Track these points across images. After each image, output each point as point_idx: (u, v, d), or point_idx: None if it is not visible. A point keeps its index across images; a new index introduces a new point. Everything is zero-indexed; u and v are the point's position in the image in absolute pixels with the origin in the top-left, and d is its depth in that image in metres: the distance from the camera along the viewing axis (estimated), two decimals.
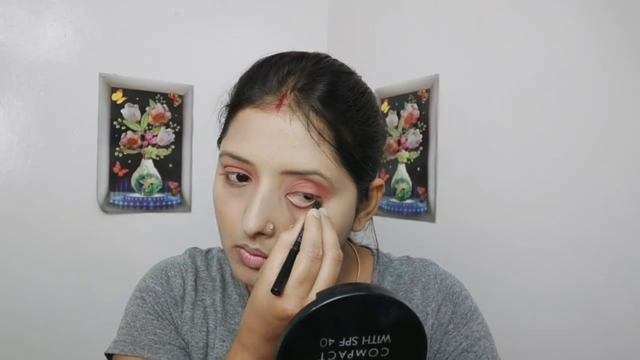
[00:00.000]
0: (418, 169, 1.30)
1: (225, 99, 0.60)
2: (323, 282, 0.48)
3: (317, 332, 0.36)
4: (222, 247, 0.70)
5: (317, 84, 0.54)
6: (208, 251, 0.73)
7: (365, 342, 0.37)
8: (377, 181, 0.61)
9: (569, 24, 0.97)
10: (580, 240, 0.95)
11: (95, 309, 1.31)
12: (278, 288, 0.46)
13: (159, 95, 1.41)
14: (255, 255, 0.54)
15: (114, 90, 1.35)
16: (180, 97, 1.44)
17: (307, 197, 0.53)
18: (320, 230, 0.50)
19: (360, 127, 0.56)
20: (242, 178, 0.54)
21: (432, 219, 1.26)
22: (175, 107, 1.44)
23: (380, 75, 1.41)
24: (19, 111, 1.25)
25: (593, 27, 0.94)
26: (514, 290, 1.07)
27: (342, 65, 0.60)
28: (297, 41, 1.59)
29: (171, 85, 1.43)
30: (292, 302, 0.46)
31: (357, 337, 0.37)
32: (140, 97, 1.38)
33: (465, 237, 1.17)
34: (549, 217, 1.00)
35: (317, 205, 0.53)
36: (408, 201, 1.33)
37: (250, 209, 0.51)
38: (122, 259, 1.35)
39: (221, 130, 0.60)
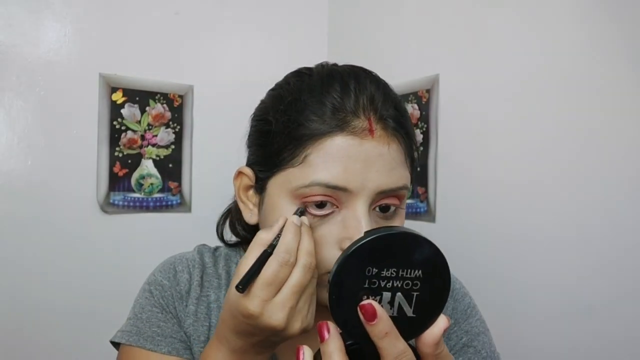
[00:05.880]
0: (418, 169, 1.30)
1: (265, 124, 0.60)
2: (290, 288, 0.49)
3: (364, 262, 0.42)
4: (228, 244, 0.73)
5: (390, 103, 0.57)
6: (216, 249, 0.74)
7: (402, 275, 0.42)
8: None
9: (569, 23, 0.98)
10: (581, 240, 0.95)
11: (95, 309, 1.31)
12: (242, 286, 0.48)
13: (159, 95, 1.41)
14: None
15: (114, 90, 1.35)
16: (180, 97, 1.44)
17: (385, 207, 0.56)
18: (297, 236, 0.50)
19: (414, 133, 0.61)
20: (322, 205, 0.54)
21: (432, 219, 1.26)
22: (175, 107, 1.44)
23: (380, 75, 1.41)
24: (19, 111, 1.25)
25: (592, 27, 0.94)
26: (513, 290, 1.07)
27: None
28: (297, 40, 1.59)
29: (171, 85, 1.43)
30: (255, 302, 0.48)
31: (395, 269, 0.42)
32: (140, 97, 1.38)
33: (465, 237, 1.17)
34: (549, 217, 1.01)
35: (302, 212, 0.54)
36: (408, 201, 1.33)
37: (360, 233, 0.52)
38: (122, 259, 1.35)
39: (277, 157, 0.57)
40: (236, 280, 0.49)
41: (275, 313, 0.48)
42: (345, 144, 0.53)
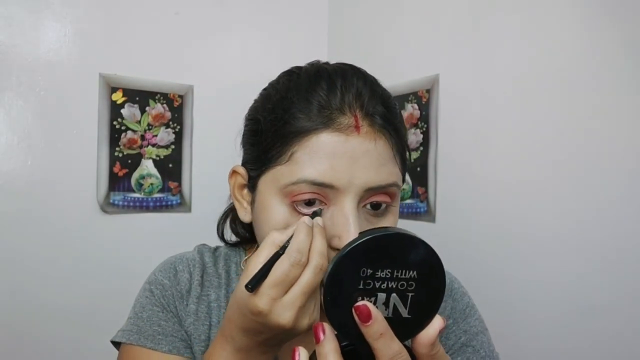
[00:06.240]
0: (418, 169, 1.30)
1: (255, 123, 0.60)
2: (300, 288, 0.48)
3: (359, 263, 0.42)
4: (229, 243, 0.73)
5: (378, 99, 0.57)
6: (216, 248, 0.74)
7: (397, 276, 0.42)
8: None
9: (568, 24, 0.97)
10: (581, 239, 0.95)
11: (95, 308, 1.31)
12: (252, 285, 0.48)
13: (159, 95, 1.41)
14: None
15: (114, 90, 1.35)
16: (180, 97, 1.44)
17: (376, 204, 0.56)
18: (308, 237, 0.50)
19: (404, 131, 0.61)
20: (310, 203, 0.54)
21: (432, 219, 1.26)
22: (175, 107, 1.44)
23: (380, 75, 1.41)
24: (19, 111, 1.25)
25: (592, 26, 0.94)
26: (513, 289, 1.07)
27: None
28: (297, 40, 1.59)
29: (171, 85, 1.43)
30: (264, 300, 0.48)
31: (390, 270, 0.42)
32: (140, 97, 1.38)
33: (465, 237, 1.17)
34: (549, 217, 1.01)
35: (316, 214, 0.54)
36: (408, 201, 1.33)
37: (349, 233, 0.52)
38: (122, 259, 1.35)
39: (266, 155, 0.57)
40: (245, 278, 0.49)
41: (284, 312, 0.48)
42: (330, 140, 0.53)
